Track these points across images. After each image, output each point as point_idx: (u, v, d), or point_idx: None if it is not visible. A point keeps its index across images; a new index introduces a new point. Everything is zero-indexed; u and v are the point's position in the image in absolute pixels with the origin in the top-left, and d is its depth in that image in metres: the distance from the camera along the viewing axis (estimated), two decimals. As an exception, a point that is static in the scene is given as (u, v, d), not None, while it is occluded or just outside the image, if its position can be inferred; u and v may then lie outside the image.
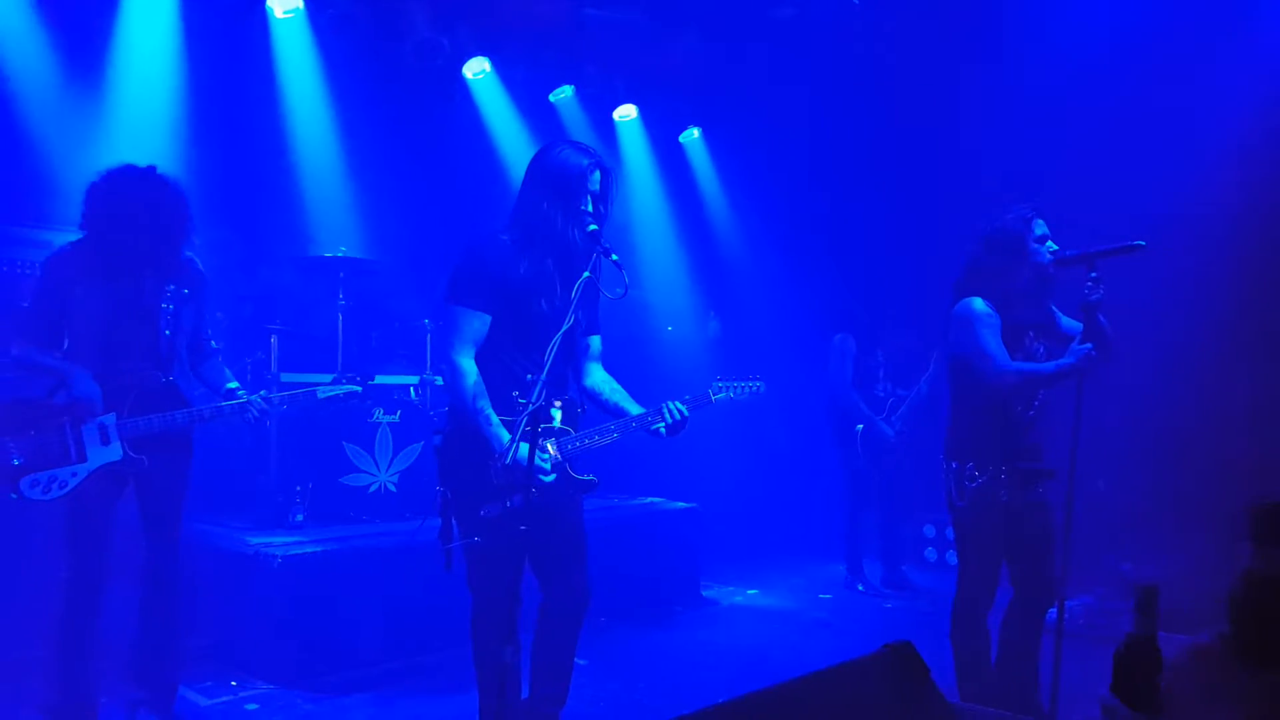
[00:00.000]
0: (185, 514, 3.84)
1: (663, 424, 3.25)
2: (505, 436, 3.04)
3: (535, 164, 3.29)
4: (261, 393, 3.86)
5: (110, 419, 3.55)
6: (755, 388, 3.44)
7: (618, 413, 3.36)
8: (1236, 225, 5.56)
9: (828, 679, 1.54)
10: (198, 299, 3.83)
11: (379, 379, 5.87)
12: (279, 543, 4.65)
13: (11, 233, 4.70)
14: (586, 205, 3.19)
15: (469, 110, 7.10)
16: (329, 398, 3.98)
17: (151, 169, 3.73)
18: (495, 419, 3.08)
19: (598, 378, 3.47)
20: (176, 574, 3.78)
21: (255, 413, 3.80)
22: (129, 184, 3.63)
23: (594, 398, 3.45)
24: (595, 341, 3.49)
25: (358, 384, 4.03)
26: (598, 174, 3.23)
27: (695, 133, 8.36)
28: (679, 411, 3.24)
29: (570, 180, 3.18)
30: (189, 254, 3.83)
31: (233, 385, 3.93)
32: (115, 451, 3.55)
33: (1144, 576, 5.54)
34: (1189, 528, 5.45)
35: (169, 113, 5.65)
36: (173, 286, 3.72)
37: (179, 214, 3.71)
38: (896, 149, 7.53)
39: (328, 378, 5.58)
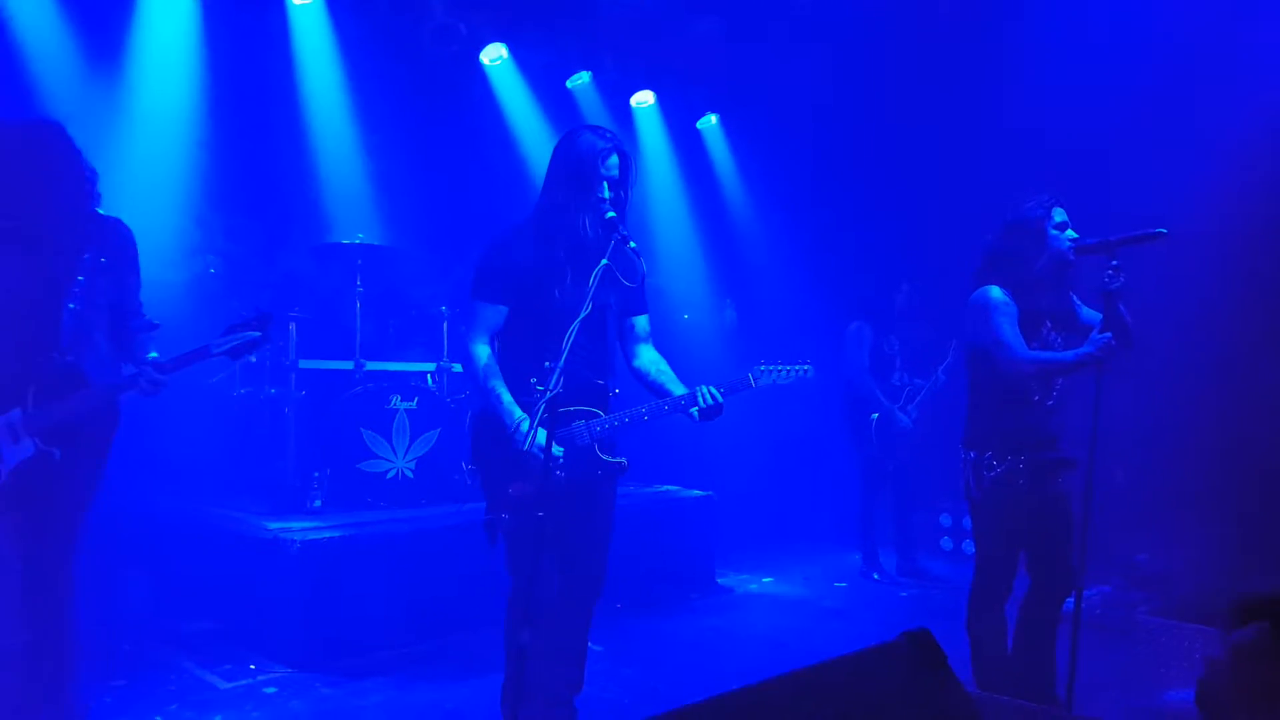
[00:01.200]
0: (88, 512, 3.32)
1: (696, 408, 3.21)
2: (517, 413, 3.10)
3: (556, 151, 3.31)
4: (152, 354, 3.24)
5: (16, 415, 3.11)
6: (802, 371, 3.33)
7: (662, 393, 3.35)
8: (1258, 214, 5.50)
9: (844, 666, 1.53)
10: (119, 266, 3.26)
11: (397, 365, 5.90)
12: (297, 528, 4.68)
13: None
14: (603, 191, 3.18)
15: (486, 97, 7.10)
16: (227, 350, 3.17)
17: (22, 118, 3.26)
18: (507, 396, 3.14)
19: (646, 358, 3.46)
20: (63, 574, 3.23)
21: (145, 383, 3.14)
22: None
23: (641, 378, 3.45)
24: (641, 321, 3.48)
25: (255, 329, 3.19)
26: (615, 158, 3.22)
27: (713, 119, 8.34)
28: (712, 396, 3.19)
29: (584, 165, 3.18)
30: (111, 215, 3.33)
31: (152, 356, 3.25)
32: (27, 448, 3.12)
33: (1161, 565, 5.52)
34: (1206, 519, 5.41)
35: (188, 101, 5.69)
36: (88, 254, 3.17)
37: (63, 164, 3.17)
38: (914, 136, 7.48)
39: (347, 364, 5.64)
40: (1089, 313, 3.76)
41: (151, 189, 5.49)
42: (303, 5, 6.15)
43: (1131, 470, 5.80)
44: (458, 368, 5.92)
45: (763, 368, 3.28)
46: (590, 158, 3.19)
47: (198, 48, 5.72)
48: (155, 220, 5.51)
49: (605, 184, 3.19)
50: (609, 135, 3.27)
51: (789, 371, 3.31)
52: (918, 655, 1.60)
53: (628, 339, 3.47)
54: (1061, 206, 3.68)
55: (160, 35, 5.60)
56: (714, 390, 3.20)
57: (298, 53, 6.24)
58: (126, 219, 5.21)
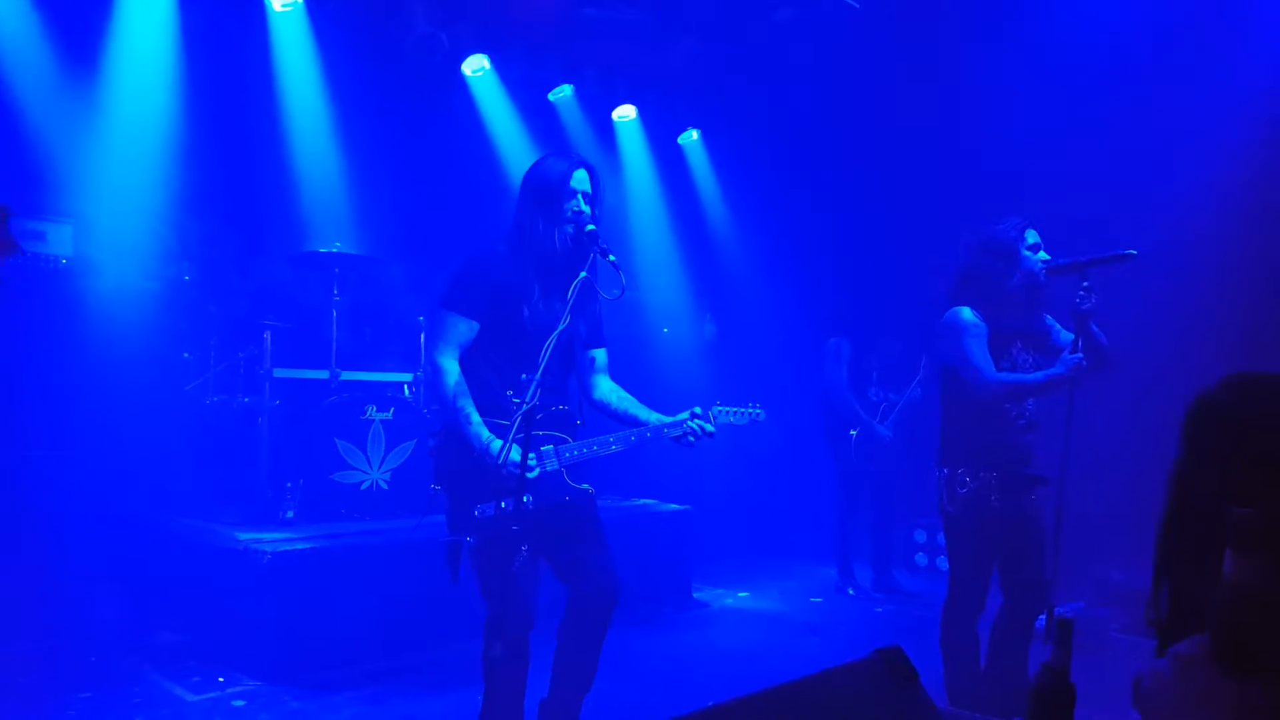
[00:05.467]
0: None
1: (670, 433, 3.27)
2: (485, 435, 3.07)
3: (525, 177, 3.35)
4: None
5: None
6: (755, 414, 3.40)
7: (628, 420, 3.37)
8: (1230, 233, 5.58)
9: (816, 684, 1.53)
10: None
11: (373, 375, 5.85)
12: (268, 539, 4.63)
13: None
14: (578, 205, 3.21)
15: (467, 108, 7.08)
16: None
17: None
18: (475, 417, 3.11)
19: (605, 389, 3.47)
20: None
21: None
22: None
23: (603, 409, 3.45)
24: (601, 355, 3.49)
25: None
26: (582, 172, 3.26)
27: (694, 134, 8.36)
28: (694, 429, 3.25)
29: (551, 186, 3.21)
30: None
31: None
32: None
33: (1133, 582, 5.55)
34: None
35: (166, 106, 5.62)
36: None
37: None
38: (893, 153, 7.54)
39: (323, 374, 5.61)
40: (1065, 335, 3.80)
41: (127, 195, 5.44)
42: (283, 12, 6.10)
43: (1102, 486, 5.84)
44: (425, 383, 5.89)
45: (719, 408, 3.33)
46: (559, 174, 3.23)
47: (176, 53, 5.65)
48: (130, 226, 5.48)
49: (580, 197, 3.22)
50: (570, 154, 3.34)
51: (744, 414, 3.37)
52: (891, 672, 1.61)
53: (586, 371, 3.48)
54: (1034, 228, 3.74)
55: (138, 40, 5.53)
56: (695, 432, 3.25)
57: (277, 60, 6.18)
58: (102, 225, 5.22)
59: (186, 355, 5.59)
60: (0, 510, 4.48)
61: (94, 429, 4.93)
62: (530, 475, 3.05)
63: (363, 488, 5.34)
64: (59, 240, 4.95)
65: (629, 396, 3.45)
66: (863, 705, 1.55)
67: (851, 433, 6.44)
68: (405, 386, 5.94)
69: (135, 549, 5.00)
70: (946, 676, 3.80)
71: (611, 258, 3.05)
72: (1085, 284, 3.47)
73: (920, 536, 7.57)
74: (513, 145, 7.12)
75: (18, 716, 3.81)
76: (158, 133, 5.62)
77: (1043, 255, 3.69)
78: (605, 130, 7.84)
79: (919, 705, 1.58)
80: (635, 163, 8.05)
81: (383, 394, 5.61)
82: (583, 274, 2.99)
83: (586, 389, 3.48)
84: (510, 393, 3.07)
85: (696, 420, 3.24)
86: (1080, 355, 3.47)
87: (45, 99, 5.17)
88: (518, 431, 2.70)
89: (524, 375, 3.06)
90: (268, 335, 5.42)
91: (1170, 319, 5.56)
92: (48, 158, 5.14)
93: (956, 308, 3.73)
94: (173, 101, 5.66)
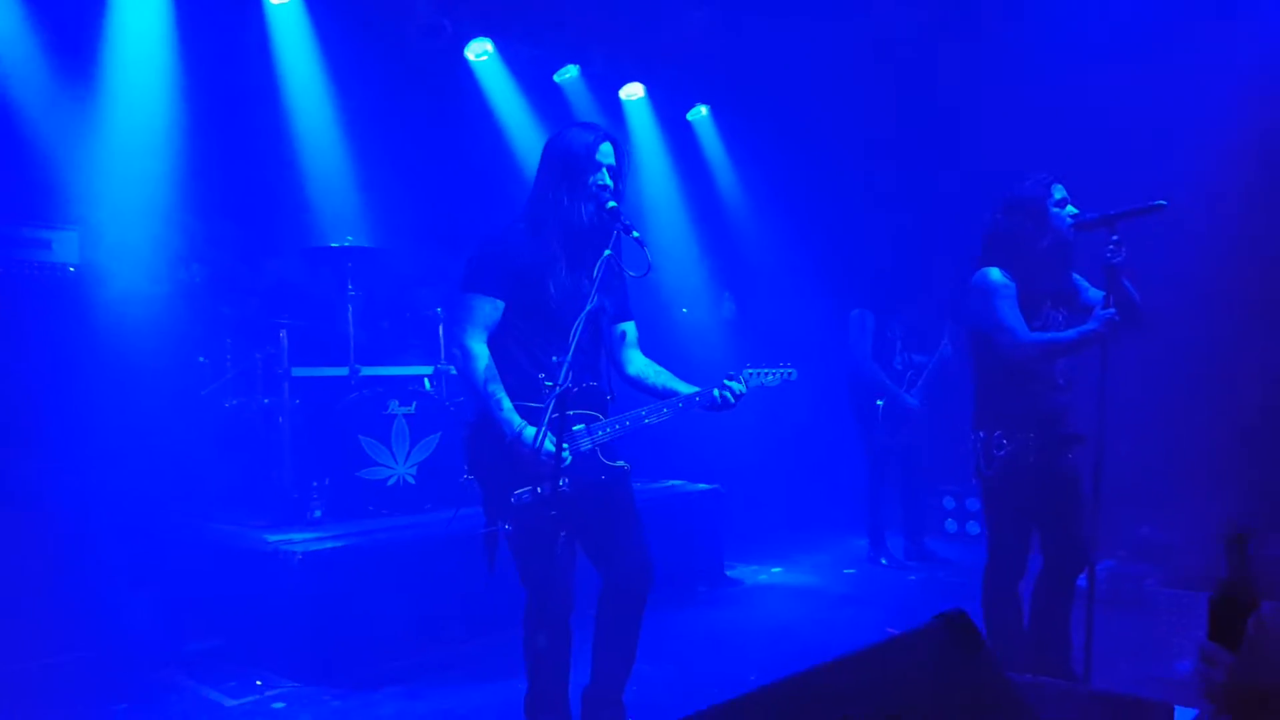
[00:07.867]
0: None
1: (702, 402, 3.24)
2: (516, 421, 3.02)
3: (545, 150, 3.26)
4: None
5: None
6: (787, 374, 3.36)
7: (667, 394, 3.32)
8: (1256, 187, 5.48)
9: (873, 656, 1.47)
10: None
11: (394, 370, 5.79)
12: (298, 539, 4.61)
13: (10, 233, 4.62)
14: (602, 179, 3.13)
15: (473, 93, 6.99)
16: None
17: None
18: (507, 403, 3.05)
19: (639, 364, 3.42)
20: None
21: None
22: None
23: (639, 384, 3.40)
24: (630, 328, 3.44)
25: None
26: (608, 145, 3.17)
27: (703, 110, 8.25)
28: (724, 396, 3.22)
29: (577, 159, 3.12)
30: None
31: None
32: None
33: (1165, 538, 5.52)
34: (1206, 489, 5.40)
35: (166, 107, 5.52)
36: None
37: None
38: (907, 122, 7.44)
39: (342, 371, 5.55)
40: (1094, 292, 3.74)
41: (132, 199, 5.34)
42: (280, 5, 6.02)
43: (1133, 443, 5.77)
44: (454, 370, 5.84)
45: (750, 370, 3.29)
46: (583, 148, 3.14)
47: (173, 53, 5.55)
48: (137, 230, 5.40)
49: (604, 171, 3.14)
50: (596, 127, 3.24)
51: (776, 374, 3.34)
52: (954, 638, 1.54)
53: (618, 346, 3.42)
54: (1060, 183, 3.67)
55: (134, 42, 5.43)
56: (729, 390, 3.22)
57: (277, 53, 6.08)
58: (107, 231, 5.16)
59: (202, 359, 5.52)
60: (26, 523, 4.45)
61: (114, 437, 4.88)
62: (565, 464, 3.01)
63: (389, 483, 5.31)
64: (65, 248, 4.89)
65: (665, 371, 3.41)
66: (925, 676, 1.48)
67: (878, 403, 6.38)
68: (426, 379, 5.89)
69: (165, 556, 4.96)
70: (989, 640, 3.73)
71: (636, 234, 2.99)
72: (1115, 238, 3.41)
73: (949, 503, 7.55)
74: (520, 129, 7.04)
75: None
76: (159, 134, 5.51)
77: (1070, 209, 3.63)
78: (613, 109, 7.73)
79: (986, 672, 1.52)
80: (645, 141, 7.93)
81: (404, 388, 5.56)
82: (607, 252, 2.92)
83: (620, 364, 3.43)
84: (542, 375, 3.02)
85: (725, 390, 3.21)
86: (1113, 310, 3.41)
87: (44, 106, 5.07)
88: (551, 415, 2.64)
89: (554, 358, 3.01)
90: (284, 334, 5.36)
91: (1199, 272, 5.48)
92: (50, 166, 5.04)
93: (985, 269, 3.69)
94: (173, 102, 5.56)
